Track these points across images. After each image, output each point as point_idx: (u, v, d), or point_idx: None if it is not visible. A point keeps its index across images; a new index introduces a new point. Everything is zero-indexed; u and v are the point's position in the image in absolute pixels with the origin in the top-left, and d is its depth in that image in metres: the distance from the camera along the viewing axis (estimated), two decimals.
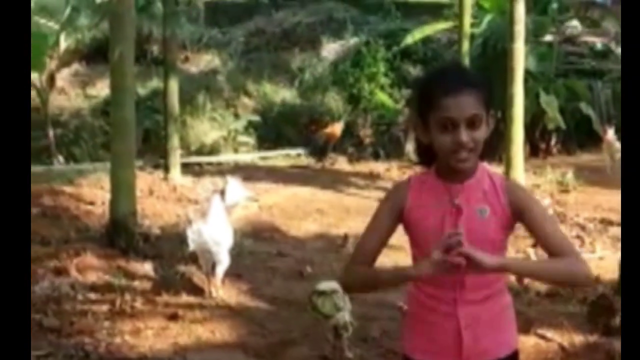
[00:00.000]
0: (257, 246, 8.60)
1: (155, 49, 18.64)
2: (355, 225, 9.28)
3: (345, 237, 8.81)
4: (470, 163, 2.60)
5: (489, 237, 2.62)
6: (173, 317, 6.27)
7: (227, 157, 15.83)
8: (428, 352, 2.70)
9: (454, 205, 2.62)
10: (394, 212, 2.72)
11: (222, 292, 6.85)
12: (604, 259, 8.05)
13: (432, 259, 2.50)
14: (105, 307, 6.48)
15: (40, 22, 16.14)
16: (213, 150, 16.29)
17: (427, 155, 2.72)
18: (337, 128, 15.13)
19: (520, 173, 10.15)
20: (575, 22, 16.51)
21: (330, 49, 19.22)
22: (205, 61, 19.77)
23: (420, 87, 2.68)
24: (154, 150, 14.50)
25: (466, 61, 12.30)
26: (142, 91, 16.76)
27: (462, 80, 2.62)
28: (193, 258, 7.10)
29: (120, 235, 8.02)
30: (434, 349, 2.68)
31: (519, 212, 2.64)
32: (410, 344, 2.77)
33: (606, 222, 9.08)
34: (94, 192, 10.11)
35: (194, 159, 15.06)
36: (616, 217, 8.81)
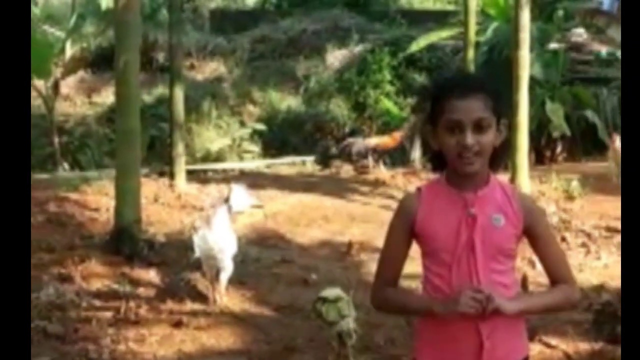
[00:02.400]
0: (262, 253, 8.59)
1: (160, 56, 18.72)
2: (360, 232, 9.28)
3: (350, 245, 8.80)
4: (476, 166, 2.60)
5: (503, 246, 2.64)
6: (177, 324, 6.27)
7: (232, 164, 15.84)
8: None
9: (469, 215, 2.63)
10: (406, 227, 2.73)
11: (227, 299, 6.85)
12: (609, 267, 8.04)
13: (460, 303, 2.56)
14: (109, 314, 6.48)
15: (46, 29, 16.23)
16: (218, 157, 16.32)
17: (437, 161, 2.74)
18: (393, 141, 14.76)
19: (526, 180, 10.14)
20: (580, 30, 16.51)
21: (336, 57, 19.24)
22: (211, 69, 19.81)
23: (431, 92, 2.72)
24: (159, 157, 14.52)
25: (472, 68, 12.29)
26: (147, 98, 16.81)
27: (470, 85, 2.67)
28: (197, 265, 7.09)
29: (125, 242, 8.02)
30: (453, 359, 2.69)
31: (528, 225, 2.68)
32: (426, 356, 2.76)
33: (612, 230, 9.05)
34: (98, 199, 10.11)
35: (200, 166, 15.07)
36: None
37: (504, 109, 2.70)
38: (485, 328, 2.60)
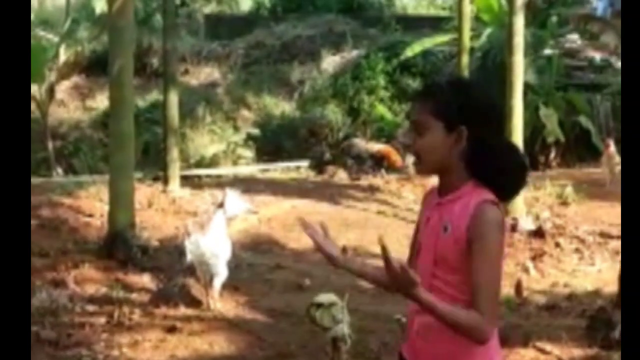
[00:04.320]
0: (256, 258, 8.59)
1: (155, 61, 18.70)
2: (355, 237, 9.27)
3: (345, 250, 8.77)
4: (421, 167, 2.66)
5: (445, 256, 2.59)
6: (171, 330, 6.25)
7: (226, 169, 15.83)
8: (405, 350, 2.78)
9: (427, 218, 2.69)
10: (421, 215, 2.80)
11: (220, 304, 6.83)
12: (602, 272, 8.06)
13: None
14: (103, 319, 6.46)
15: (40, 34, 16.22)
16: (212, 162, 16.31)
17: None
18: (395, 160, 14.36)
19: None
20: (574, 36, 16.56)
21: (330, 62, 19.27)
22: (205, 74, 19.82)
23: None
24: (153, 162, 14.51)
25: (466, 74, 12.30)
26: (142, 103, 16.80)
27: (422, 89, 2.76)
28: (191, 270, 7.07)
29: (119, 247, 8.00)
30: (407, 348, 2.76)
31: (468, 239, 2.54)
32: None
33: (605, 236, 9.07)
34: (92, 204, 10.09)
35: (194, 171, 15.06)
36: (615, 230, 8.80)
37: (459, 114, 2.56)
38: (418, 323, 2.66)
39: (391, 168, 14.18)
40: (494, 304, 2.50)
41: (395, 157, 14.27)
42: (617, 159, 11.24)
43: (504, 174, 2.63)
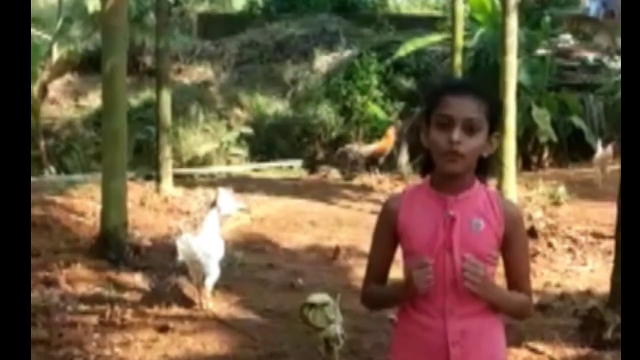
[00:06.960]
0: (248, 258, 8.56)
1: (148, 60, 18.66)
2: (347, 237, 9.27)
3: (337, 249, 8.79)
4: (458, 167, 2.58)
5: (480, 251, 2.61)
6: (163, 329, 6.23)
7: (219, 168, 15.82)
8: None
9: (447, 217, 2.62)
10: (388, 226, 2.73)
11: (213, 304, 6.82)
12: (595, 272, 8.06)
13: (414, 282, 2.59)
14: (94, 319, 6.44)
15: (33, 33, 16.16)
16: (205, 161, 16.29)
17: (427, 163, 2.74)
18: (388, 142, 14.07)
19: (512, 186, 10.12)
20: (567, 36, 16.60)
21: (323, 62, 19.25)
22: (198, 73, 19.79)
23: (432, 88, 2.76)
24: (146, 161, 14.47)
25: (459, 74, 12.30)
26: (134, 102, 16.76)
27: (468, 86, 2.70)
28: (184, 269, 7.05)
29: (111, 246, 7.98)
30: None
31: (506, 232, 2.66)
32: (398, 358, 2.77)
33: (598, 236, 9.07)
34: (84, 203, 10.06)
35: (186, 170, 15.04)
36: (607, 230, 8.80)
37: (498, 120, 2.69)
38: (453, 332, 2.61)
39: (387, 151, 14.00)
40: (531, 284, 2.82)
41: (383, 143, 14.01)
42: (609, 158, 11.27)
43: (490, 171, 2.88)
